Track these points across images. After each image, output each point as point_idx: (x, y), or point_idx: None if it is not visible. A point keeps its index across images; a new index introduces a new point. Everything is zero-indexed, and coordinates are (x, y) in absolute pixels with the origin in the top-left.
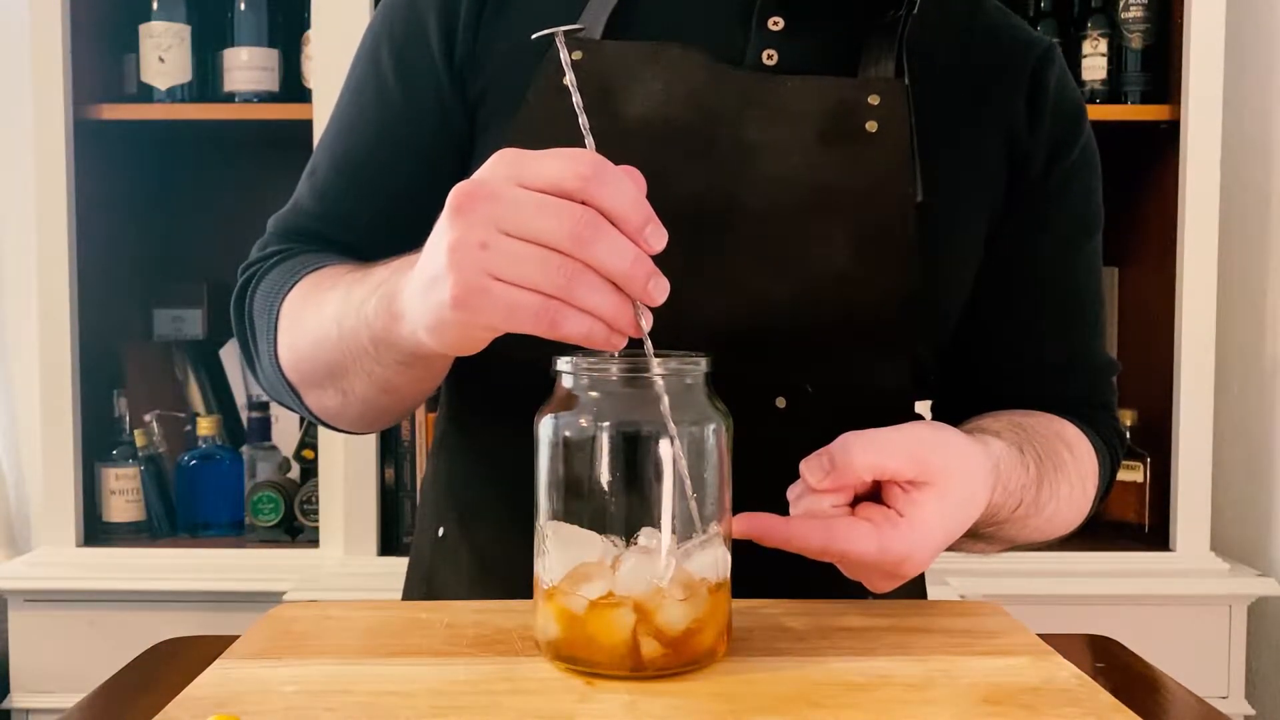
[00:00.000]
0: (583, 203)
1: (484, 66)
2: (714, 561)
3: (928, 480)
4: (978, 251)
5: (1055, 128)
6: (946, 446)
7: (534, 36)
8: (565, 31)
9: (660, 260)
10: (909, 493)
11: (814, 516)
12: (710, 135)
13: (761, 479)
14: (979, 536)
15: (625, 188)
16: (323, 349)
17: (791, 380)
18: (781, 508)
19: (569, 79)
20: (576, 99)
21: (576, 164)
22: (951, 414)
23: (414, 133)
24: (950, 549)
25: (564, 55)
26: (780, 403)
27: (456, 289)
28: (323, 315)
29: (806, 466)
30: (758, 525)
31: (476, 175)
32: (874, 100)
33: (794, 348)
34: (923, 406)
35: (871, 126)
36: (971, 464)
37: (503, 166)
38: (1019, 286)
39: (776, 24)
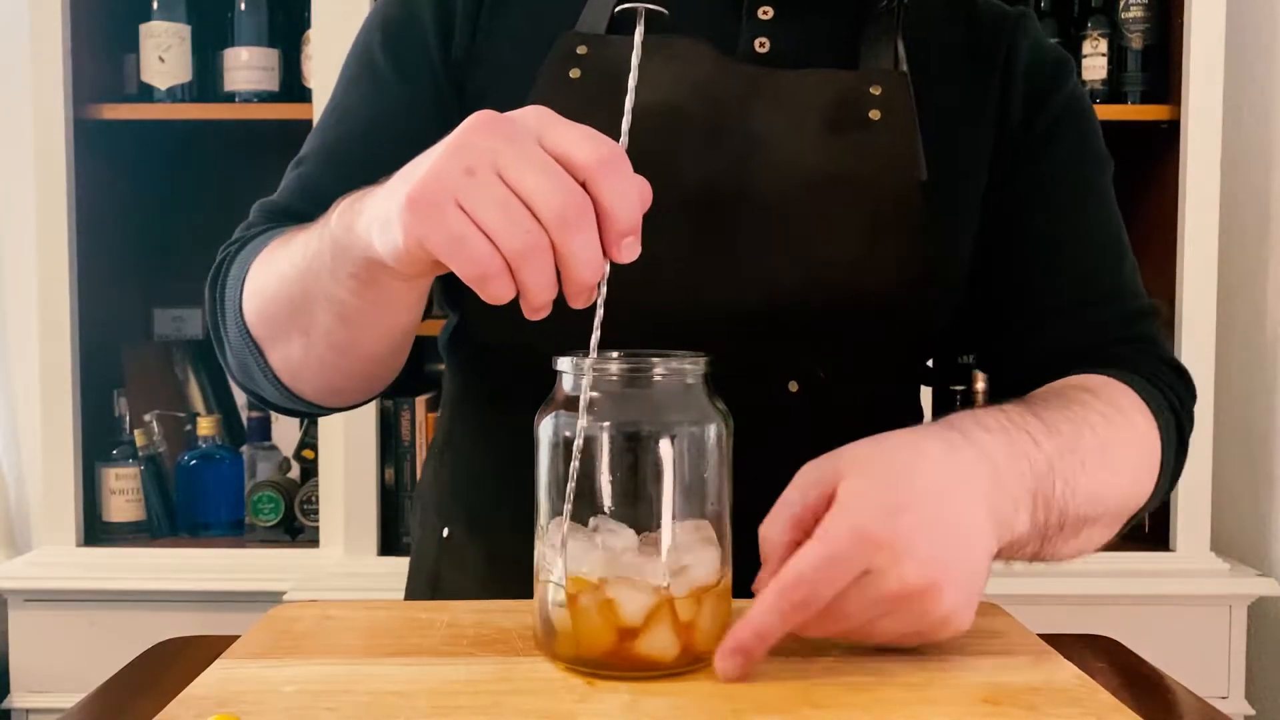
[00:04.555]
0: (583, 183)
1: (483, 62)
2: (714, 561)
3: (837, 483)
4: (975, 232)
5: (1029, 85)
6: (853, 451)
7: (618, 9)
8: (648, 10)
9: (671, 246)
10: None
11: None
12: (718, 124)
13: (774, 462)
14: (1082, 520)
15: (629, 190)
16: (286, 282)
17: (804, 364)
18: None
19: (635, 59)
20: (633, 80)
21: (598, 145)
22: (1002, 385)
23: (408, 122)
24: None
25: (638, 34)
26: (793, 386)
27: (417, 190)
28: (290, 249)
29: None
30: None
31: (509, 113)
32: (876, 90)
33: (805, 332)
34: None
35: (875, 114)
36: (891, 440)
37: (533, 117)
38: (1030, 240)
39: (766, 13)
